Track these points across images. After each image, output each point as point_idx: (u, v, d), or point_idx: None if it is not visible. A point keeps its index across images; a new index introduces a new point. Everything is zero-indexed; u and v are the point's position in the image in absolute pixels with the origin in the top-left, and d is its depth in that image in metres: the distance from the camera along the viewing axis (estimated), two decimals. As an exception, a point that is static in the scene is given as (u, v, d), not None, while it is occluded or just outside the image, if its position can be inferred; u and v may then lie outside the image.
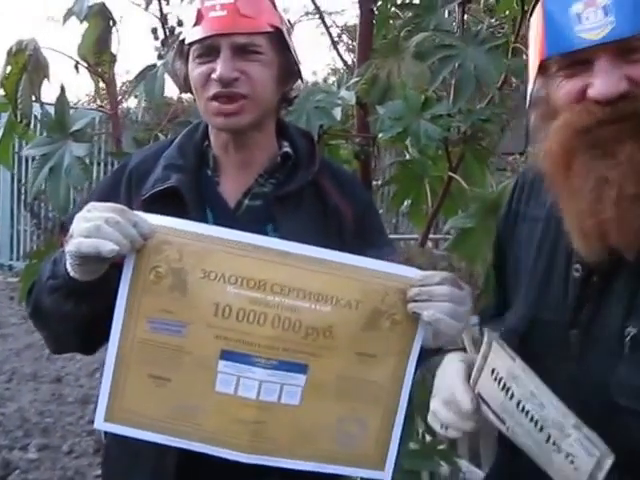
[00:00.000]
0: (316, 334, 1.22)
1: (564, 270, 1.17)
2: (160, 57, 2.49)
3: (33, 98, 2.25)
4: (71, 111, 2.28)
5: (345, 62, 3.01)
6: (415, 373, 1.26)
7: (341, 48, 10.26)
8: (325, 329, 1.22)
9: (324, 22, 3.32)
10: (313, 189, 1.42)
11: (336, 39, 10.84)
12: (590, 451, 0.99)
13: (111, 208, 1.17)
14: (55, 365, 5.61)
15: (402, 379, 1.26)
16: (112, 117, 2.59)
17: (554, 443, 1.03)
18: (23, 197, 9.13)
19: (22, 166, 8.17)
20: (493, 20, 3.01)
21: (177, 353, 1.21)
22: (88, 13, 2.36)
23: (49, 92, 2.32)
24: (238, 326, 1.21)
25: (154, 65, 2.38)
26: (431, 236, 3.27)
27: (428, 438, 2.29)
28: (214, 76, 1.33)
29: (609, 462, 0.97)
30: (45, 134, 2.30)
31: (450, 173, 2.27)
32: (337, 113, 2.20)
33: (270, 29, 1.36)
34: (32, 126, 2.33)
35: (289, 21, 1.51)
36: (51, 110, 2.29)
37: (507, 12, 2.50)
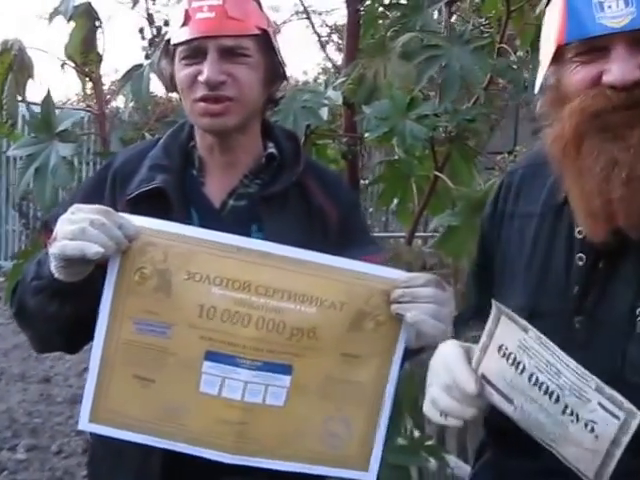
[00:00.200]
0: (300, 335, 1.22)
1: (564, 260, 1.19)
2: (147, 57, 2.49)
3: (19, 98, 2.25)
4: (57, 111, 2.27)
5: (332, 62, 3.01)
6: (399, 373, 1.27)
7: (331, 47, 10.27)
8: (309, 330, 1.22)
9: (311, 22, 3.33)
10: (298, 190, 1.42)
11: (326, 38, 10.86)
12: (614, 413, 0.96)
13: (96, 210, 1.16)
14: (44, 365, 5.59)
15: (386, 379, 1.26)
16: (99, 117, 2.59)
17: (572, 413, 1.01)
18: (11, 197, 9.08)
19: (10, 166, 8.14)
20: (482, 20, 3.03)
21: (162, 354, 1.21)
22: (74, 13, 2.36)
23: (37, 92, 2.33)
24: (223, 327, 1.21)
25: (141, 65, 2.38)
26: (421, 234, 3.29)
27: (417, 434, 2.30)
28: (201, 78, 1.32)
29: (636, 423, 0.95)
30: (31, 134, 2.30)
31: (436, 172, 2.28)
32: (324, 113, 2.21)
33: (257, 32, 1.36)
34: (19, 126, 2.33)
35: (275, 23, 1.51)
36: (38, 110, 2.29)
37: (493, 12, 2.52)
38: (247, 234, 1.33)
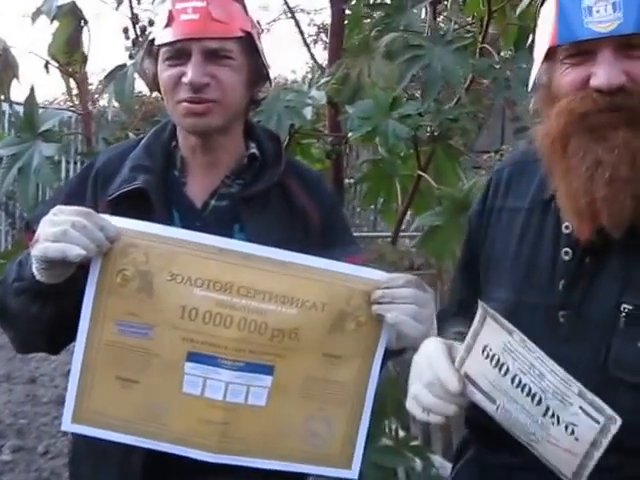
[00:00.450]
0: (282, 336, 1.23)
1: (551, 254, 1.20)
2: (131, 57, 2.48)
3: (2, 97, 2.24)
4: (40, 111, 2.26)
5: (316, 61, 3.01)
6: (380, 373, 1.27)
7: (319, 47, 10.27)
8: (291, 331, 1.23)
9: (297, 21, 3.33)
10: (279, 190, 1.43)
11: (315, 37, 10.85)
12: (595, 417, 0.98)
13: (77, 212, 1.17)
14: (29, 366, 5.56)
15: (367, 379, 1.27)
16: (84, 117, 2.59)
17: (553, 415, 1.02)
18: (-3, 196, 9.02)
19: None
20: (470, 19, 3.03)
21: (144, 355, 1.22)
22: (58, 12, 2.35)
23: (24, 92, 2.31)
24: (204, 328, 1.21)
25: (124, 65, 2.37)
26: (408, 233, 3.30)
27: (402, 434, 2.31)
28: (185, 80, 1.32)
29: (615, 427, 0.97)
30: (14, 134, 2.29)
31: (419, 172, 2.29)
32: (307, 113, 2.21)
33: (241, 34, 1.36)
34: (5, 126, 2.32)
35: (259, 22, 1.51)
36: (21, 110, 2.28)
37: (475, 13, 2.53)
38: (229, 234, 1.33)
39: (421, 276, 1.34)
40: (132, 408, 1.23)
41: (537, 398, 1.03)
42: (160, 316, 1.21)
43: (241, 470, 1.26)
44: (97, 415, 1.23)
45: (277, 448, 1.27)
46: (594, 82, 1.09)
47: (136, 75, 2.29)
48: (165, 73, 1.36)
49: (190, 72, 1.32)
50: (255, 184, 1.42)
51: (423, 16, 2.57)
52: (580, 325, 1.15)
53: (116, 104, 2.47)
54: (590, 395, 0.99)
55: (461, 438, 1.39)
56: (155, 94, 1.58)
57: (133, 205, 1.33)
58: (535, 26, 1.22)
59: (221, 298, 1.21)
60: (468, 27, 2.93)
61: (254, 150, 1.45)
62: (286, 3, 3.11)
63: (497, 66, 2.19)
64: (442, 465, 2.77)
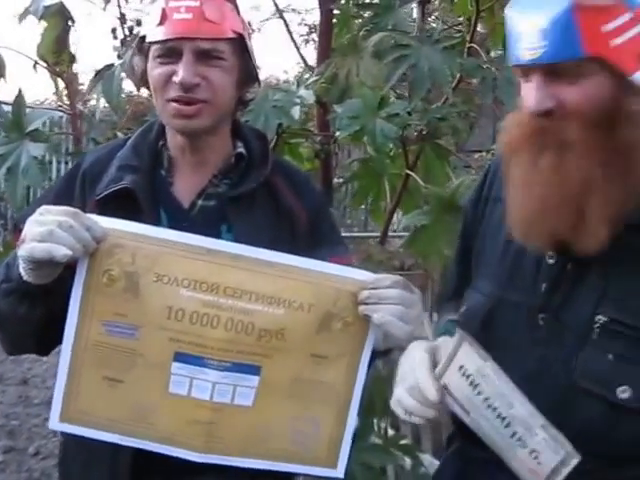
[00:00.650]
0: (269, 336, 1.23)
1: (536, 255, 1.21)
2: (119, 56, 2.48)
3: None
4: (28, 110, 2.26)
5: (305, 61, 3.01)
6: (367, 373, 1.28)
7: (310, 46, 10.25)
8: (278, 331, 1.23)
9: (285, 22, 3.33)
10: (266, 189, 1.43)
11: (306, 37, 10.83)
12: (556, 450, 1.05)
13: (64, 212, 1.16)
14: (21, 367, 5.54)
15: (354, 379, 1.27)
16: (72, 117, 2.58)
17: (519, 439, 1.07)
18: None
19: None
20: (460, 18, 3.04)
21: (131, 355, 1.22)
22: (46, 12, 2.34)
23: (12, 92, 2.31)
24: (191, 329, 1.21)
25: (112, 65, 2.37)
26: (399, 233, 3.30)
27: (391, 433, 2.32)
28: (175, 79, 1.32)
29: (574, 462, 1.04)
30: (2, 134, 2.29)
31: (407, 171, 2.29)
32: (295, 112, 2.21)
33: (233, 35, 1.36)
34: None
35: (249, 23, 1.51)
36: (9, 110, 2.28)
37: (463, 13, 2.53)
38: (216, 234, 1.33)
39: (411, 276, 1.35)
40: (119, 407, 1.23)
41: (506, 422, 1.09)
42: (146, 316, 1.21)
43: (229, 470, 1.26)
44: (84, 414, 1.23)
45: (264, 448, 1.27)
46: (527, 105, 1.12)
47: (124, 75, 2.29)
48: (155, 71, 1.36)
49: (181, 72, 1.31)
50: (242, 184, 1.41)
51: (415, 16, 2.58)
52: (558, 329, 1.16)
53: (106, 104, 2.46)
54: (553, 430, 1.06)
55: (449, 433, 1.41)
56: (146, 94, 1.57)
57: (120, 205, 1.33)
58: None
59: (208, 299, 1.21)
60: (458, 27, 2.94)
61: (241, 149, 1.45)
62: (275, 4, 3.11)
63: (485, 66, 2.20)
64: (431, 464, 2.77)
